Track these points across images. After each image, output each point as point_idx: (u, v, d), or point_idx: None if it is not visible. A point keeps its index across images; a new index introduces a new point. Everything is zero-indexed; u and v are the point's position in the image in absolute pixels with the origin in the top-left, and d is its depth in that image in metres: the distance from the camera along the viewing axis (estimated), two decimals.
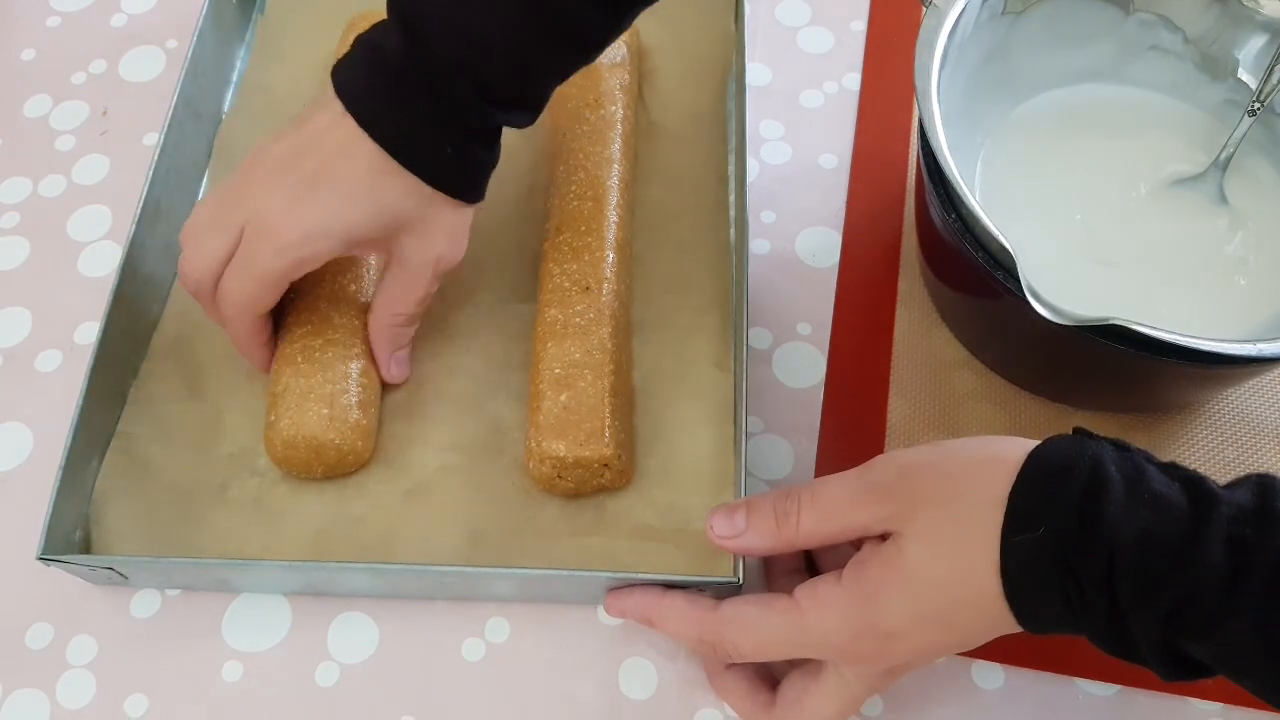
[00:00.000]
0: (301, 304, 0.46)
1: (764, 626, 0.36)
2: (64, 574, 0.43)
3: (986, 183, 0.48)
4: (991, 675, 0.42)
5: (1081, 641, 0.42)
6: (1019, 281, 0.36)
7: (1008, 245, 0.37)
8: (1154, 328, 0.36)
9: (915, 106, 0.42)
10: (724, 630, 0.37)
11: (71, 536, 0.43)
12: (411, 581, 0.43)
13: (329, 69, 0.54)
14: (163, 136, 0.49)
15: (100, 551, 0.43)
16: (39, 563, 0.41)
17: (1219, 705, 0.41)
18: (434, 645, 0.43)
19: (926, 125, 0.41)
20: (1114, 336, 0.37)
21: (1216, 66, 0.48)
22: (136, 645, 0.43)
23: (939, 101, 0.41)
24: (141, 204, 0.48)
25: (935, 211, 0.42)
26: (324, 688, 0.42)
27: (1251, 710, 0.41)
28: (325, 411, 0.43)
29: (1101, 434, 0.33)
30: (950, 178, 0.39)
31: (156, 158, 0.49)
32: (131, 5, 0.60)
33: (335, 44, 0.55)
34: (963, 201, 0.39)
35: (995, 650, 0.42)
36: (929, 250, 0.48)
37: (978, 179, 0.48)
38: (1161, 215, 0.47)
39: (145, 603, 0.44)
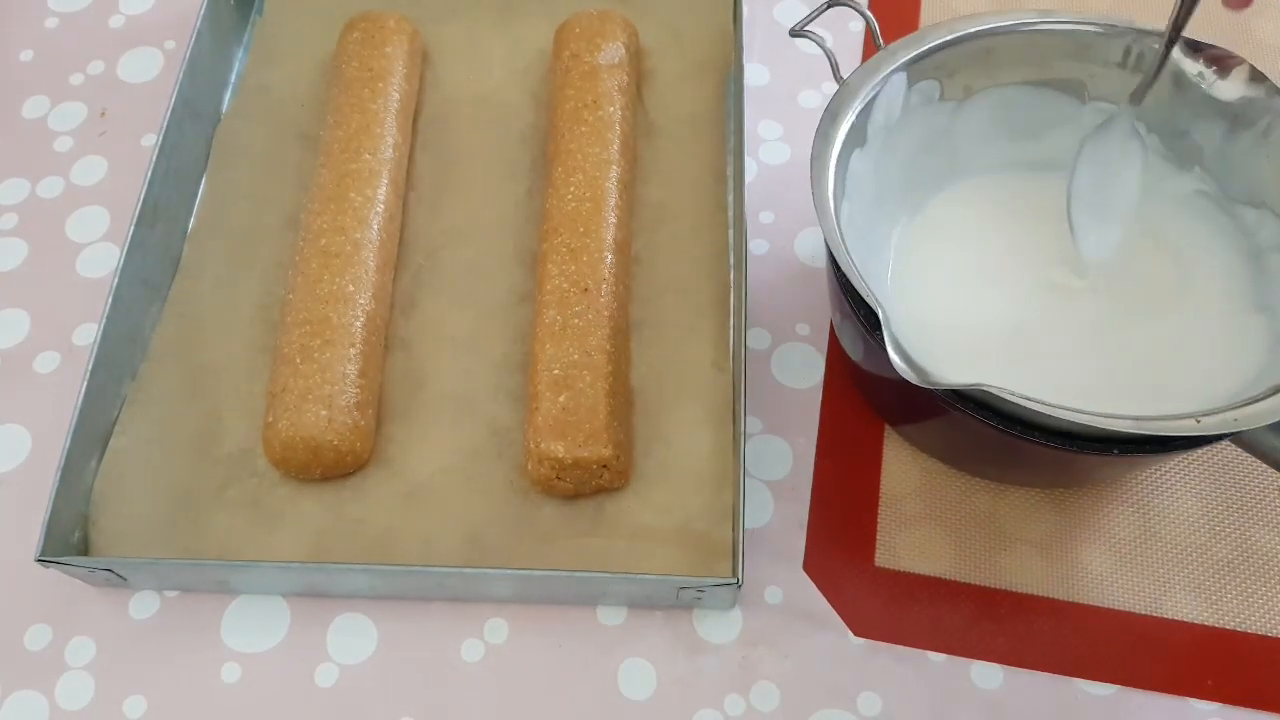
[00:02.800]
0: (301, 304, 0.46)
1: None
2: (63, 575, 0.43)
3: (904, 250, 0.45)
4: (990, 675, 0.42)
5: (1081, 641, 0.42)
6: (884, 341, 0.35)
7: (876, 305, 0.36)
8: (1024, 397, 0.34)
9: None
10: None
11: (70, 538, 0.43)
12: (410, 582, 0.42)
13: (327, 70, 0.54)
14: (161, 137, 0.49)
15: (99, 553, 0.43)
16: (38, 564, 0.41)
17: (1218, 705, 0.41)
18: (433, 646, 0.43)
19: (814, 181, 0.39)
20: (979, 409, 0.37)
21: (1182, 155, 0.45)
22: (135, 646, 0.43)
23: (836, 174, 0.40)
24: (140, 205, 0.48)
25: (829, 272, 0.42)
26: (323, 689, 0.42)
27: (1251, 710, 0.41)
28: (324, 413, 0.43)
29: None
30: (826, 230, 0.38)
31: (155, 159, 0.49)
32: (129, 6, 0.60)
33: (333, 45, 0.55)
34: (838, 261, 0.38)
35: (995, 650, 0.42)
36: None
37: (894, 244, 0.46)
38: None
39: (144, 604, 0.44)
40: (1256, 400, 0.35)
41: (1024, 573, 0.44)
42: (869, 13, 0.44)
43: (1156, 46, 0.41)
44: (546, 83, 0.55)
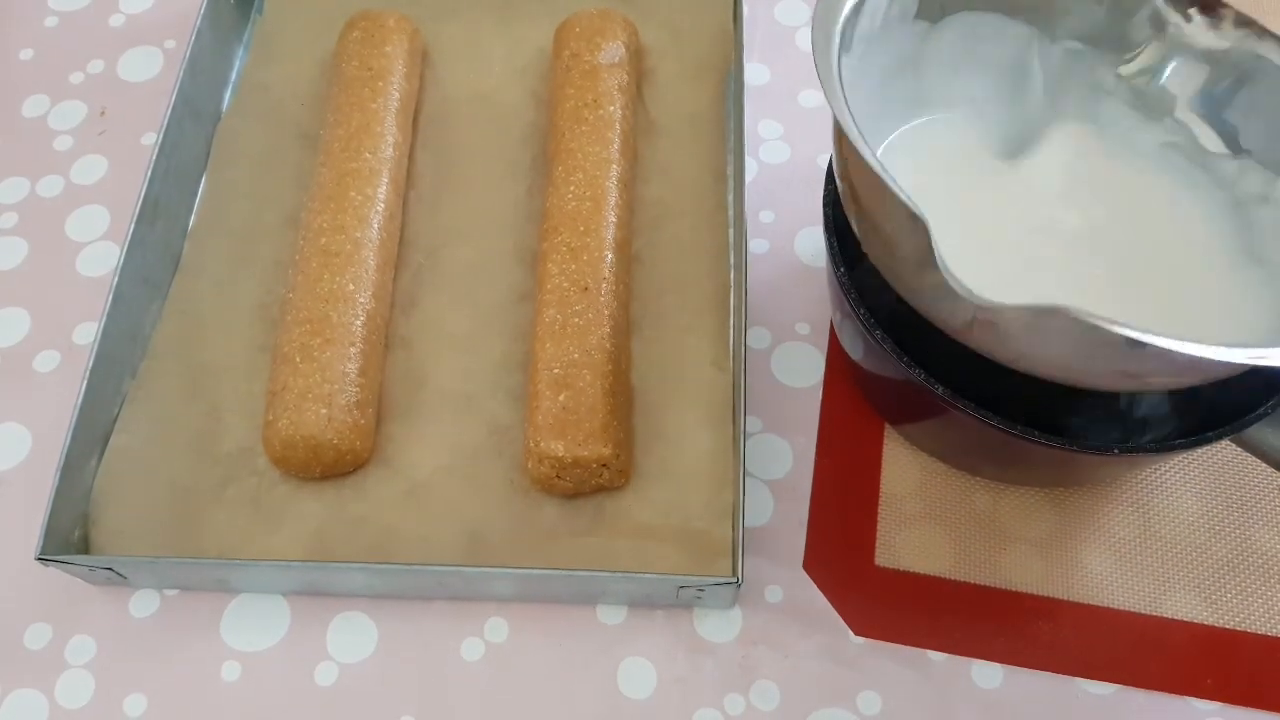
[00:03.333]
0: (301, 303, 0.46)
1: None
2: (63, 574, 0.43)
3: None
4: (990, 674, 0.42)
5: (1081, 640, 0.42)
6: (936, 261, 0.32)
7: (920, 215, 0.32)
8: (1114, 321, 0.30)
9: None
10: None
11: (70, 536, 0.43)
12: (410, 581, 0.42)
13: (327, 69, 0.54)
14: (161, 136, 0.49)
15: (99, 551, 0.43)
16: (38, 563, 0.41)
17: (1218, 704, 0.41)
18: (433, 645, 0.43)
19: (831, 100, 0.35)
20: (979, 408, 0.37)
21: (1152, 104, 0.43)
22: (135, 645, 0.43)
23: (844, 85, 0.37)
24: (140, 203, 0.48)
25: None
26: (323, 687, 0.42)
27: (1251, 709, 0.41)
28: (324, 411, 0.43)
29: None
30: (857, 142, 0.34)
31: (155, 157, 0.49)
32: (129, 5, 0.60)
33: (334, 43, 0.55)
34: (875, 171, 0.33)
35: (995, 649, 0.42)
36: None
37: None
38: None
39: (144, 602, 0.44)
40: None
41: (1024, 572, 0.44)
42: None
43: None
44: (547, 82, 0.55)
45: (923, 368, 0.38)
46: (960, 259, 0.35)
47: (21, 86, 0.57)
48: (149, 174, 0.48)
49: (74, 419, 0.43)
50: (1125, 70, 0.42)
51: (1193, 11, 0.40)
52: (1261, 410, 0.38)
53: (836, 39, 0.37)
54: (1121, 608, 0.43)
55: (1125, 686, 0.42)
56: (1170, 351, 0.30)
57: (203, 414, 0.46)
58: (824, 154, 0.55)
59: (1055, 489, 0.45)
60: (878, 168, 0.33)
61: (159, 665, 0.42)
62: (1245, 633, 0.43)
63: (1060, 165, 0.43)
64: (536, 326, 0.46)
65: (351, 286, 0.46)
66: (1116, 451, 0.37)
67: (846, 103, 0.36)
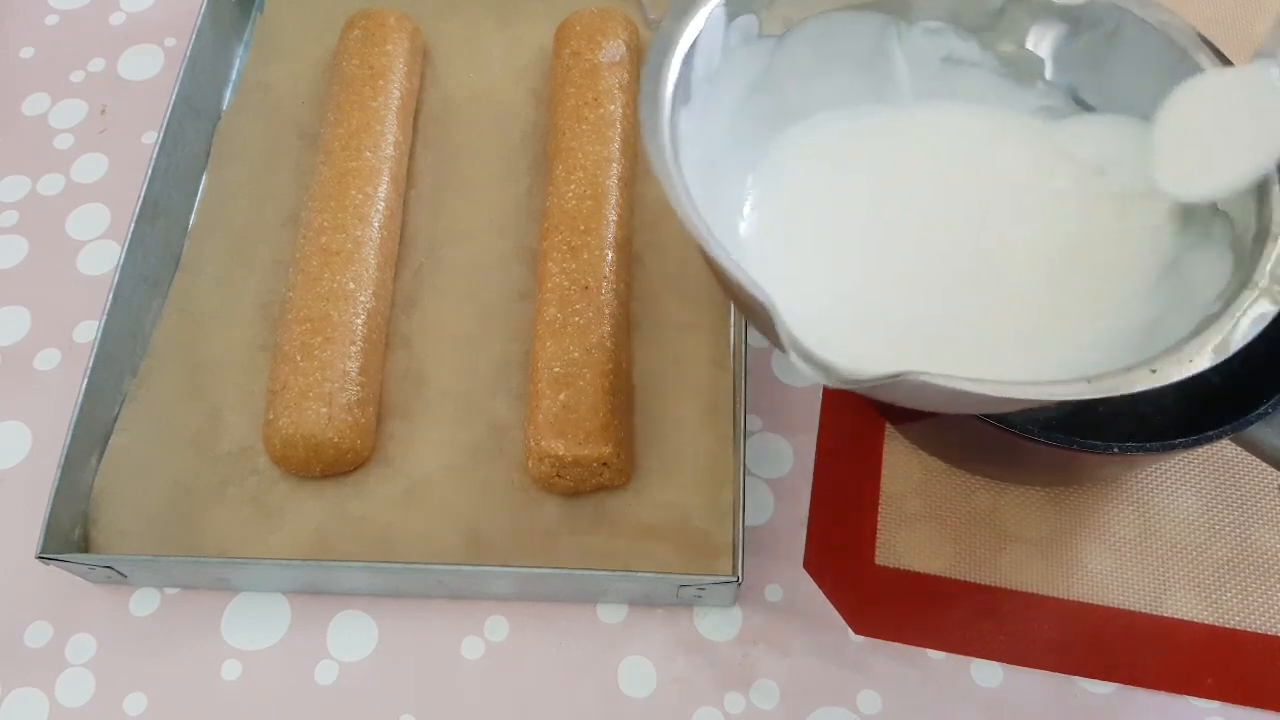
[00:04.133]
0: (301, 301, 0.46)
1: None
2: (63, 572, 0.43)
3: (762, 224, 0.40)
4: (991, 673, 0.42)
5: (1081, 639, 0.42)
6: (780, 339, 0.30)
7: (762, 299, 0.31)
8: (957, 379, 0.30)
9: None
10: None
11: (70, 535, 0.43)
12: (411, 580, 0.42)
13: (328, 67, 0.54)
14: (161, 135, 0.49)
15: (99, 550, 0.43)
16: (38, 561, 0.41)
17: (1218, 704, 0.41)
18: (433, 644, 0.43)
19: (659, 172, 0.34)
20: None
21: (1021, 70, 0.41)
22: (136, 644, 0.43)
23: (672, 141, 0.35)
24: (140, 202, 0.48)
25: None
26: (323, 686, 0.42)
27: (1251, 708, 0.41)
28: (324, 410, 0.43)
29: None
30: (690, 223, 0.33)
31: (155, 156, 0.49)
32: (130, 3, 0.60)
33: (334, 42, 0.55)
34: (710, 253, 0.32)
35: (995, 648, 0.42)
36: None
37: (747, 222, 0.40)
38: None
39: (144, 601, 0.44)
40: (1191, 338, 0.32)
41: (1024, 571, 0.44)
42: None
43: None
44: (547, 80, 0.55)
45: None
46: (829, 300, 0.37)
47: (22, 85, 0.57)
48: (149, 172, 0.48)
49: (74, 417, 0.43)
50: (987, 39, 0.41)
51: None
52: (1262, 409, 0.38)
53: (666, 108, 0.35)
54: (1122, 607, 0.43)
55: (1125, 686, 0.42)
56: (1018, 399, 0.31)
57: (203, 413, 0.46)
58: None
59: (1055, 488, 0.45)
60: (720, 256, 0.32)
61: (159, 664, 0.42)
62: (1245, 632, 0.43)
63: (935, 153, 0.42)
64: (537, 325, 0.46)
65: (352, 285, 0.46)
66: (1116, 451, 0.37)
67: (685, 186, 0.34)
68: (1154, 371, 0.32)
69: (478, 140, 0.54)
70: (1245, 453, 0.39)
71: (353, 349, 0.45)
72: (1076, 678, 0.42)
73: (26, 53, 0.58)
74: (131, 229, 0.47)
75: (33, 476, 0.46)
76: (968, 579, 0.44)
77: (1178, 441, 0.37)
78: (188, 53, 0.52)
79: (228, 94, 0.56)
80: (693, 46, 0.37)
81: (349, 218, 0.47)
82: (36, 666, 0.42)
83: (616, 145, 0.50)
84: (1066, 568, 0.44)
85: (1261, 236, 0.35)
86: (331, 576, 0.42)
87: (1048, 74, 0.41)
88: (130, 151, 0.55)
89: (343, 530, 0.44)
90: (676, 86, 0.36)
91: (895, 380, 0.29)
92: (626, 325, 0.47)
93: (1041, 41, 0.41)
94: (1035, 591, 0.43)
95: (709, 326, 0.48)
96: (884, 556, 0.44)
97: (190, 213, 0.52)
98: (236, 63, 0.57)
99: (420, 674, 0.42)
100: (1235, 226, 0.36)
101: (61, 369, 0.49)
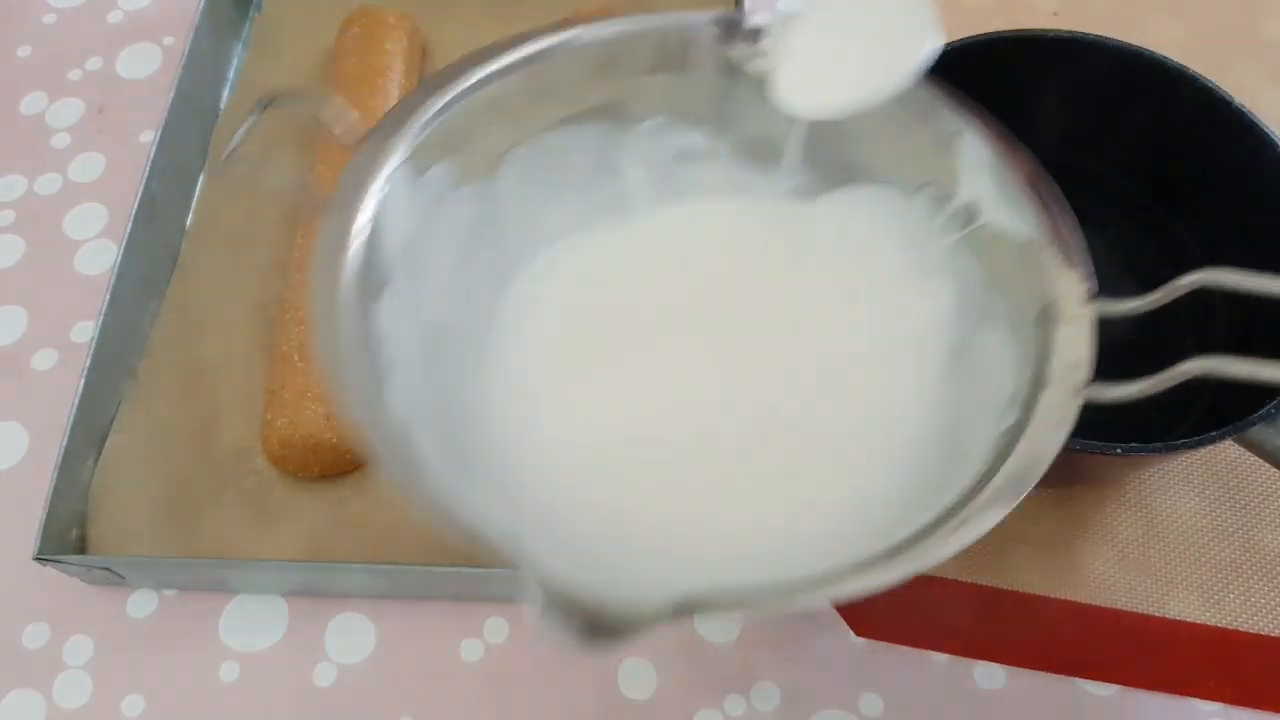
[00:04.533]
0: (299, 302, 0.45)
1: None
2: (60, 574, 0.43)
3: (509, 395, 0.34)
4: (993, 675, 0.42)
5: (1083, 641, 0.42)
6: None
7: (505, 545, 0.26)
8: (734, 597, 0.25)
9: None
10: None
11: (68, 536, 0.43)
12: (409, 581, 0.42)
13: (325, 66, 0.54)
14: (159, 134, 0.49)
15: (97, 551, 0.43)
16: (35, 562, 0.41)
17: (1220, 705, 0.41)
18: (432, 645, 0.42)
19: (338, 391, 0.27)
20: None
21: (762, 153, 0.38)
22: (133, 645, 0.43)
23: (363, 342, 0.29)
24: (138, 201, 0.47)
25: None
26: (321, 688, 0.42)
27: (1254, 710, 0.41)
28: (322, 410, 0.43)
29: None
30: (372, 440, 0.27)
31: (153, 155, 0.49)
32: (128, 2, 0.60)
33: (332, 40, 0.54)
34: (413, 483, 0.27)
35: (997, 650, 0.42)
36: None
37: (491, 400, 0.34)
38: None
39: (142, 602, 0.43)
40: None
41: (1026, 572, 0.44)
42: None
43: (698, 33, 0.35)
44: None
45: None
46: (588, 487, 0.32)
47: (19, 83, 0.57)
48: (147, 172, 0.48)
49: (71, 418, 0.43)
50: (717, 128, 0.37)
51: (750, 46, 0.35)
52: (1265, 410, 0.37)
53: (348, 305, 0.29)
54: (1124, 608, 0.43)
55: (1128, 687, 0.41)
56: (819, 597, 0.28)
57: (201, 413, 0.46)
58: None
59: (1057, 489, 0.45)
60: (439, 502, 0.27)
61: (157, 665, 0.42)
62: (1248, 633, 0.42)
63: (683, 264, 0.38)
64: None
65: None
66: (1119, 451, 0.37)
67: (383, 411, 0.28)
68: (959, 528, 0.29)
69: None
70: (1248, 454, 0.39)
71: None
72: (1079, 679, 0.42)
73: (24, 51, 0.58)
74: (129, 228, 0.47)
75: (30, 477, 0.46)
76: (970, 580, 0.44)
77: (1181, 442, 0.37)
78: (186, 51, 0.52)
79: (225, 93, 0.56)
80: (376, 221, 0.31)
81: None
82: (34, 668, 0.42)
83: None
84: (1069, 569, 0.44)
85: (1046, 319, 0.31)
86: (330, 578, 0.42)
87: (789, 153, 0.37)
88: (128, 151, 0.54)
89: (341, 531, 0.43)
90: (363, 274, 0.30)
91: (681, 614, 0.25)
92: None
93: (774, 120, 0.36)
94: (1038, 592, 0.43)
95: None
96: None
97: (188, 212, 0.52)
98: (234, 61, 0.57)
99: (419, 676, 0.42)
100: (1011, 304, 0.33)
101: (59, 369, 0.49)
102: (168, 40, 0.58)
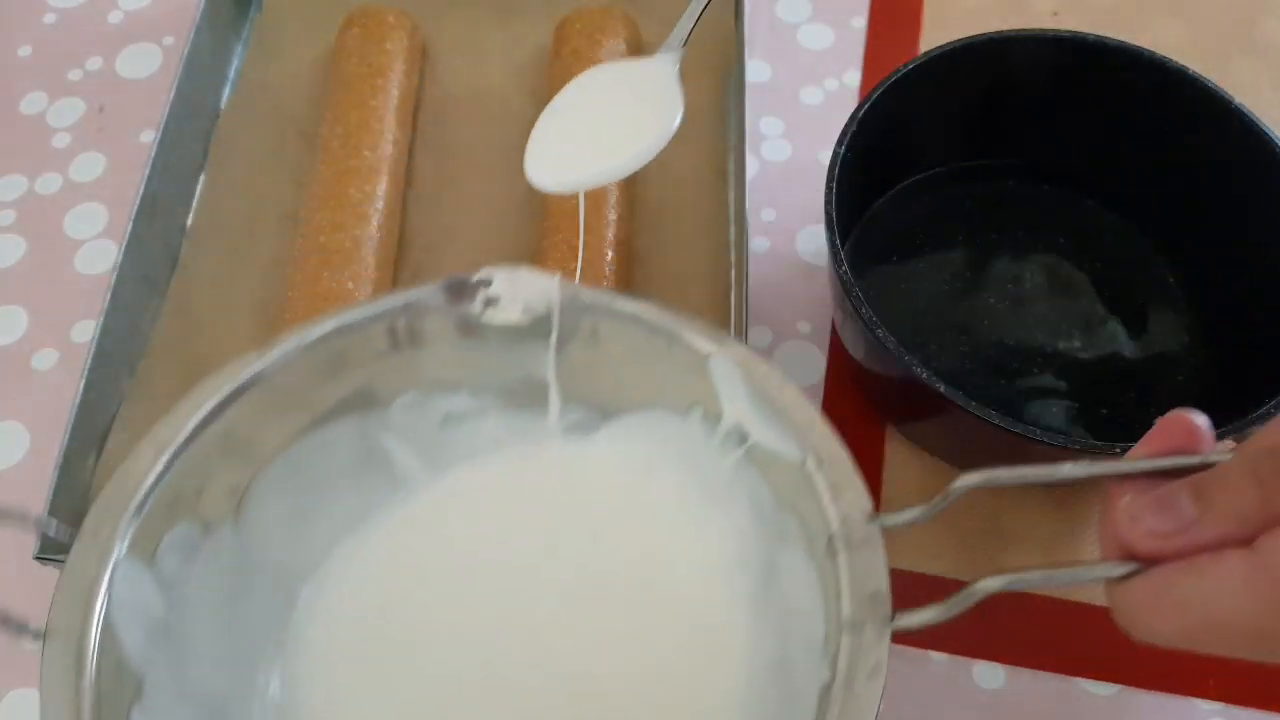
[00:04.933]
0: (300, 301, 0.45)
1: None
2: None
3: None
4: (993, 674, 0.42)
5: (1083, 640, 0.42)
6: None
7: None
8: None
9: None
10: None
11: (68, 536, 0.43)
12: None
13: (326, 66, 0.54)
14: (160, 134, 0.49)
15: None
16: (35, 562, 0.41)
17: (1221, 705, 0.41)
18: None
19: None
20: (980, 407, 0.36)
21: (529, 399, 0.37)
22: None
23: None
24: (138, 201, 0.47)
25: None
26: None
27: (1254, 710, 0.41)
28: None
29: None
30: None
31: (153, 155, 0.49)
32: (128, 2, 0.60)
33: (333, 40, 0.54)
34: None
35: (997, 649, 0.42)
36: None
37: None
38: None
39: None
40: None
41: None
42: None
43: (426, 303, 0.34)
44: (547, 79, 0.54)
45: (924, 366, 0.38)
46: None
47: (20, 83, 0.57)
48: (147, 171, 0.48)
49: (72, 417, 0.43)
50: (474, 387, 0.37)
51: (482, 298, 0.35)
52: (1264, 410, 0.37)
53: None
54: None
55: (1128, 687, 0.41)
56: None
57: None
58: (826, 151, 0.55)
59: (1057, 488, 0.45)
60: None
61: None
62: None
63: (468, 535, 0.37)
64: None
65: (350, 285, 0.46)
66: (1119, 451, 0.37)
67: None
68: None
69: (477, 139, 0.53)
70: None
71: None
72: (1079, 679, 0.42)
73: (24, 51, 0.58)
74: (129, 228, 0.47)
75: (30, 476, 0.46)
76: (970, 580, 0.43)
77: None
78: (186, 51, 0.52)
79: (226, 93, 0.56)
80: (107, 622, 0.29)
81: (347, 217, 0.47)
82: (34, 668, 0.42)
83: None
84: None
85: (834, 548, 0.30)
86: None
87: (554, 395, 0.37)
88: (128, 150, 0.54)
89: None
90: (108, 695, 0.28)
91: None
92: None
93: (527, 365, 0.36)
94: (1037, 592, 0.43)
95: None
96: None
97: (188, 212, 0.52)
98: (235, 61, 0.57)
99: None
100: (805, 525, 0.32)
101: (59, 369, 0.49)
102: (168, 40, 0.58)
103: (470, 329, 0.35)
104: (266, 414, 0.34)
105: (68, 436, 0.42)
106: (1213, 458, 0.27)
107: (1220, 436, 0.37)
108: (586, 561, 0.36)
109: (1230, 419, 0.37)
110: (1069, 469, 0.29)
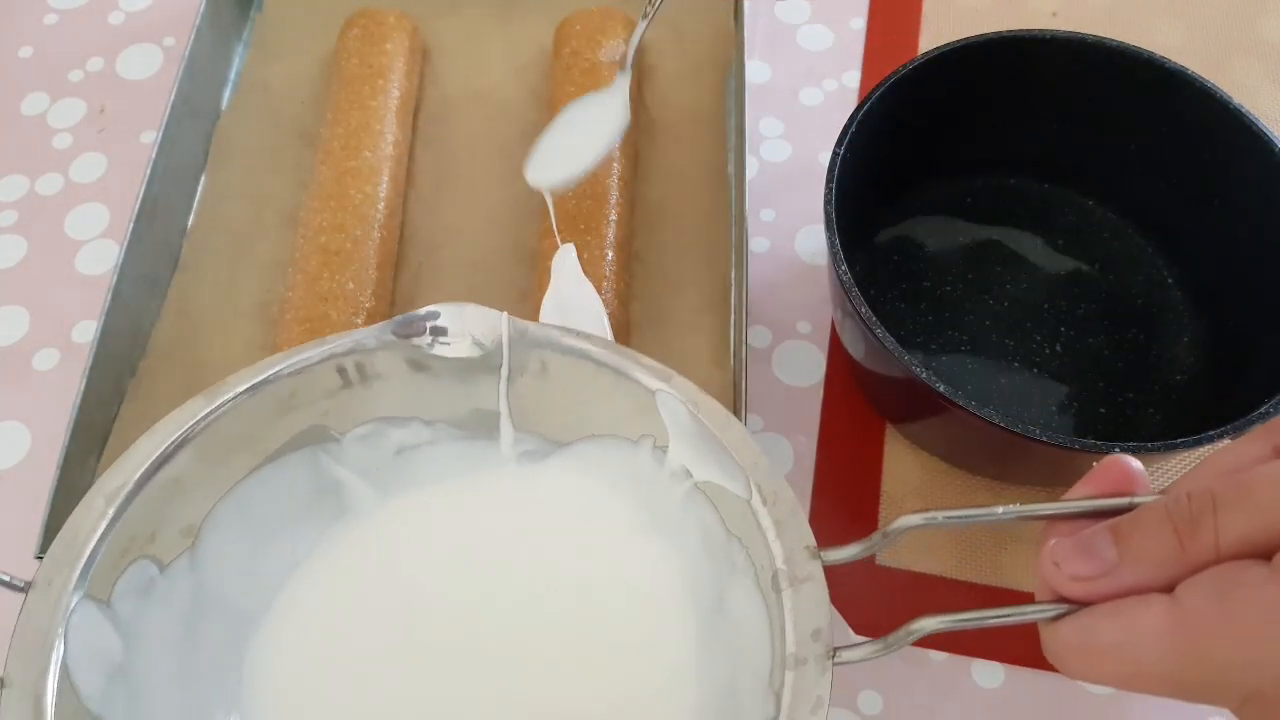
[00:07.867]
0: (301, 302, 0.45)
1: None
2: None
3: None
4: (992, 674, 0.42)
5: None
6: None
7: None
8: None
9: None
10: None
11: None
12: None
13: (327, 67, 0.54)
14: (160, 134, 0.49)
15: None
16: (36, 562, 0.41)
17: None
18: None
19: None
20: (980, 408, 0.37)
21: (481, 427, 0.38)
22: None
23: None
24: (139, 202, 0.47)
25: None
26: None
27: None
28: None
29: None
30: None
31: (154, 156, 0.49)
32: (129, 3, 0.60)
33: (334, 41, 0.54)
34: None
35: (997, 649, 0.42)
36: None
37: None
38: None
39: None
40: None
41: (1025, 571, 0.44)
42: None
43: (375, 341, 0.35)
44: (547, 80, 0.54)
45: (924, 366, 0.38)
46: None
47: (21, 84, 0.57)
48: (148, 172, 0.48)
49: (73, 417, 0.43)
50: (427, 418, 0.38)
51: (424, 339, 0.36)
52: (1263, 410, 0.37)
53: None
54: None
55: None
56: None
57: None
58: (825, 152, 0.55)
59: (1056, 488, 0.45)
60: None
61: None
62: None
63: (422, 557, 0.37)
64: None
65: (351, 285, 0.46)
66: (1119, 451, 0.37)
67: None
68: None
69: (477, 139, 0.54)
70: None
71: None
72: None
73: (25, 52, 0.58)
74: (130, 229, 0.47)
75: (31, 477, 0.46)
76: (969, 579, 0.44)
77: (1179, 441, 0.37)
78: (187, 52, 0.52)
79: (227, 93, 0.56)
80: (64, 670, 0.30)
81: (348, 217, 0.47)
82: None
83: (616, 144, 0.50)
84: None
85: (778, 583, 0.30)
86: None
87: (506, 424, 0.38)
88: (129, 151, 0.54)
89: None
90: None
91: None
92: (626, 325, 0.47)
93: (479, 397, 0.37)
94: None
95: (709, 327, 0.48)
96: (885, 556, 0.44)
97: (189, 212, 0.52)
98: (235, 62, 0.57)
99: None
100: (753, 558, 0.33)
101: (60, 369, 0.49)
102: (169, 41, 0.58)
103: (420, 364, 0.36)
104: (216, 457, 0.34)
105: (68, 436, 0.42)
106: (1139, 500, 0.27)
107: (1220, 436, 0.37)
108: (539, 590, 0.36)
109: (1230, 419, 0.37)
110: (1002, 511, 0.29)
